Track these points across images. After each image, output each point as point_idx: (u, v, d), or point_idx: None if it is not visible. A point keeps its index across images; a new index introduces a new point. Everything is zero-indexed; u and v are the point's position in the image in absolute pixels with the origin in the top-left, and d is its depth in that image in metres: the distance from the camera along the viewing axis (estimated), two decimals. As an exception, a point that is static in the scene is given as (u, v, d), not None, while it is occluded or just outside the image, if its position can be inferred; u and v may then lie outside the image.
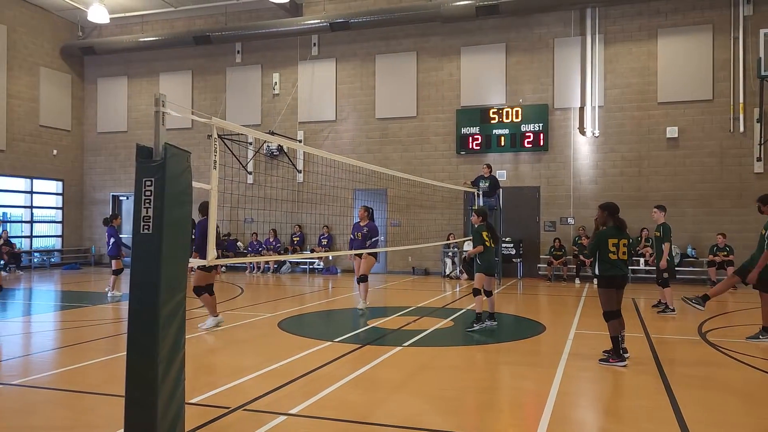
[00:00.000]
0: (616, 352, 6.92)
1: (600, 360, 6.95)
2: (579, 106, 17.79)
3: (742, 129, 16.42)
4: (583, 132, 17.74)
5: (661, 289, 10.89)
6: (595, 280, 15.69)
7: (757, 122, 16.24)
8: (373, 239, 11.13)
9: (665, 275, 10.74)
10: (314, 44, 20.28)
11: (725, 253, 15.58)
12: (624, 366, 6.79)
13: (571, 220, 17.77)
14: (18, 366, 7.04)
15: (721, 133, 16.65)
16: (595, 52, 17.60)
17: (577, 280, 16.72)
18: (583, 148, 17.79)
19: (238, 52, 21.10)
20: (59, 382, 6.23)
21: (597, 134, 17.56)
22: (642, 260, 16.24)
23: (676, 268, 15.81)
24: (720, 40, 16.73)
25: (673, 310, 10.76)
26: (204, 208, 8.93)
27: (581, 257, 16.67)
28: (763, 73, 15.74)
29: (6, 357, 7.57)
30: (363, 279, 11.09)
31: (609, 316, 6.99)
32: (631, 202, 16.62)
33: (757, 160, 16.33)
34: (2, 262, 18.93)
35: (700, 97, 16.82)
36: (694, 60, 16.91)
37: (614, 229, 7.05)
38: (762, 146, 16.23)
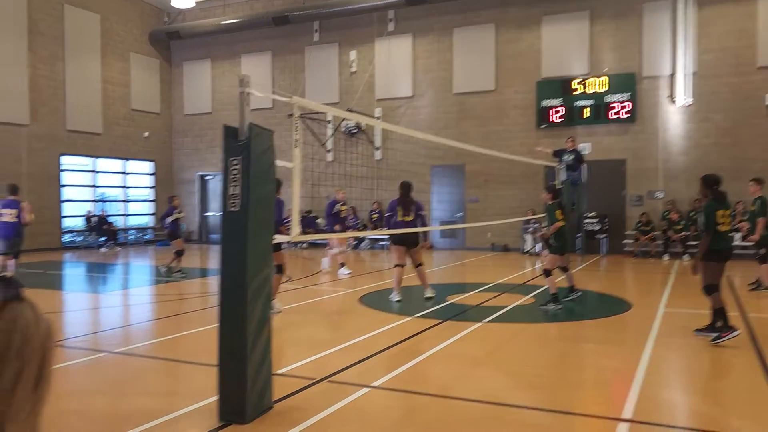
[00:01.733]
0: (726, 325, 6.53)
1: (712, 340, 6.46)
2: (669, 73, 16.85)
3: None
4: (673, 101, 16.84)
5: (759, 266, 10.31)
6: (685, 256, 15.19)
7: None
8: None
9: (762, 251, 10.15)
10: (390, 20, 20.18)
11: (832, 227, 14.46)
12: (737, 334, 6.43)
13: (659, 194, 16.99)
14: (120, 335, 7.53)
15: (830, 98, 15.40)
16: (687, 16, 16.57)
17: (666, 257, 16.02)
18: (673, 117, 16.90)
19: (316, 30, 21.30)
20: (158, 351, 6.63)
21: (689, 103, 16.62)
22: (738, 235, 15.34)
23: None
24: (829, -4, 15.39)
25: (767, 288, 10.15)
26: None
27: (670, 233, 15.96)
28: None
29: (109, 327, 8.12)
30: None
31: (711, 290, 6.68)
32: (726, 174, 15.43)
33: None
34: (103, 238, 20.21)
35: (806, 60, 15.58)
36: (799, 19, 15.64)
37: (717, 201, 6.74)
38: None
